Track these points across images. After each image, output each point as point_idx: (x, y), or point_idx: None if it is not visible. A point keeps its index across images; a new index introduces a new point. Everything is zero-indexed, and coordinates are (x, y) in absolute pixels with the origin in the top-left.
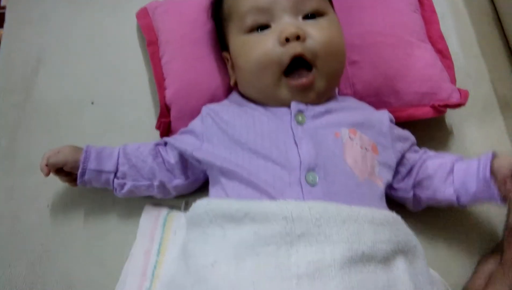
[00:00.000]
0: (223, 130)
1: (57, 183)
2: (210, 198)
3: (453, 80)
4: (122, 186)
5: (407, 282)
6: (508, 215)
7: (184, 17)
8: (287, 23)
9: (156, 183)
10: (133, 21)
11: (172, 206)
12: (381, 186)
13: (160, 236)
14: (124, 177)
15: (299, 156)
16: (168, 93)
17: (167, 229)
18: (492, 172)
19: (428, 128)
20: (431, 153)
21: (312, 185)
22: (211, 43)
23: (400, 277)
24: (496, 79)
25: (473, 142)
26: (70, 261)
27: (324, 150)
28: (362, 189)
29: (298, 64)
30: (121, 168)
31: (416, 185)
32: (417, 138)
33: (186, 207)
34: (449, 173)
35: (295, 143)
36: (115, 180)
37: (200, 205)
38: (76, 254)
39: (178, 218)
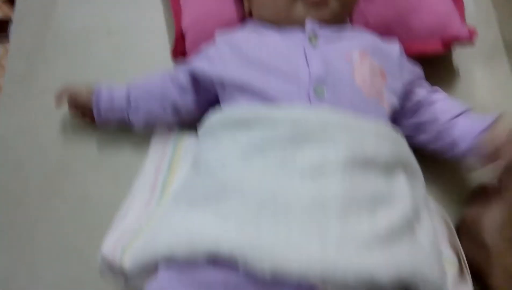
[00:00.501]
0: (236, 50)
1: None
2: (223, 109)
3: (462, 19)
4: (136, 113)
5: (406, 196)
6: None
7: None
8: None
9: (168, 103)
10: None
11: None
12: (387, 109)
13: (171, 153)
14: (137, 104)
15: (309, 71)
16: (185, 21)
17: (178, 147)
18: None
19: (436, 68)
20: (440, 95)
21: (320, 97)
22: None
23: (400, 189)
24: (504, 25)
25: (478, 83)
26: (85, 175)
27: (333, 69)
28: (368, 106)
29: None
30: (132, 93)
31: (417, 126)
32: (424, 75)
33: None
34: (451, 125)
35: (306, 61)
36: (130, 113)
37: (213, 116)
38: (91, 169)
39: (189, 139)
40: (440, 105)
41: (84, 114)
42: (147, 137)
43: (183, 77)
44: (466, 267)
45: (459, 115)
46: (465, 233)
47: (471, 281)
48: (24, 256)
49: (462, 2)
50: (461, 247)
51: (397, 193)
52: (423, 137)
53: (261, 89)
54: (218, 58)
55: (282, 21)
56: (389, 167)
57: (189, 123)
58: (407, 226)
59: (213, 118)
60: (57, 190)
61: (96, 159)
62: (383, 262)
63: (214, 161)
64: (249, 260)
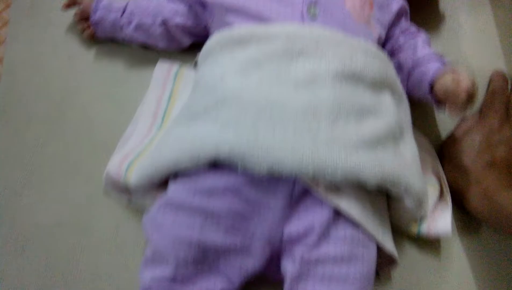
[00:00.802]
0: None
1: (78, 37)
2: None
3: None
4: (128, 23)
5: (391, 112)
6: (489, 84)
7: None
8: None
9: (158, 21)
10: None
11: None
12: (375, 34)
13: (172, 84)
14: (131, 14)
15: None
16: None
17: (178, 79)
18: (434, 86)
19: (422, 11)
20: (416, 39)
21: (313, 18)
22: None
23: (386, 105)
24: None
25: (463, 28)
26: (90, 102)
27: None
28: (358, 28)
29: None
30: (129, 7)
31: (397, 66)
32: (411, 19)
33: (196, 65)
34: (410, 72)
35: None
36: (122, 17)
37: (212, 38)
38: (96, 97)
39: (188, 73)
40: (410, 48)
41: (84, 23)
42: (151, 69)
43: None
44: (447, 191)
45: (422, 59)
46: (446, 156)
47: (451, 204)
48: (33, 174)
49: None
50: (443, 174)
51: (383, 108)
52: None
53: (257, 10)
54: None
55: None
56: (376, 84)
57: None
58: (392, 138)
59: (211, 41)
60: (63, 116)
61: (101, 90)
62: (369, 162)
63: (213, 77)
64: (247, 161)
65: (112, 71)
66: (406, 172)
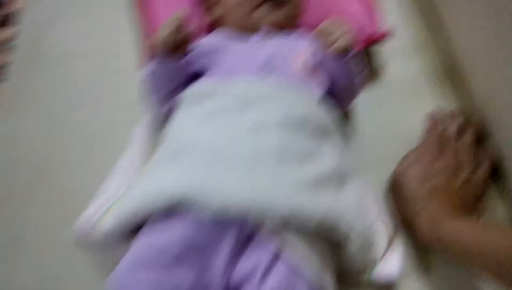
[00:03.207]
0: (204, 50)
1: (56, 112)
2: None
3: (380, 22)
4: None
5: (332, 158)
6: (425, 122)
7: None
8: None
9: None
10: None
11: None
12: (320, 93)
13: (148, 145)
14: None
15: (260, 54)
16: (154, 32)
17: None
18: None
19: (363, 61)
20: None
21: (267, 74)
22: None
23: (327, 152)
24: (418, 27)
25: (400, 76)
26: (66, 174)
27: (279, 54)
28: (305, 85)
29: None
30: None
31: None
32: None
33: None
34: None
35: (259, 48)
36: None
37: (179, 97)
38: (71, 168)
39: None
40: None
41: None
42: (122, 142)
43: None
44: (397, 233)
45: None
46: (394, 189)
47: (404, 243)
48: (10, 247)
49: (380, 11)
50: (388, 221)
51: (325, 154)
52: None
53: (222, 68)
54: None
55: (245, 25)
56: (318, 132)
57: None
58: (334, 181)
59: (183, 94)
60: (45, 181)
61: (76, 161)
62: (309, 204)
63: (177, 128)
64: (198, 204)
65: (93, 138)
66: (347, 215)
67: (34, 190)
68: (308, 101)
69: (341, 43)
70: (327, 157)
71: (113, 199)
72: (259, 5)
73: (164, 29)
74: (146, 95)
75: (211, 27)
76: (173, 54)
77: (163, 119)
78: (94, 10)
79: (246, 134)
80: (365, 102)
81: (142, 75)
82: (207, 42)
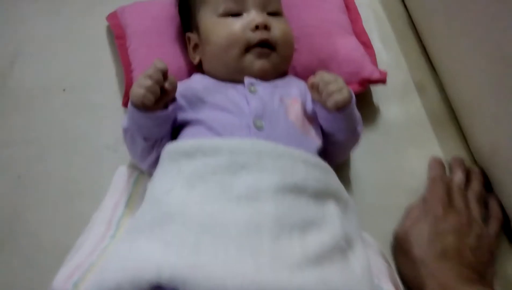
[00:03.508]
0: (187, 90)
1: (26, 157)
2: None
3: (374, 64)
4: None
5: (336, 223)
6: (429, 171)
7: (148, 13)
8: (257, 14)
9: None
10: (103, 23)
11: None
12: (317, 143)
13: (130, 191)
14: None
15: (249, 108)
16: (135, 74)
17: (137, 186)
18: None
19: (358, 105)
20: None
21: (259, 129)
22: (172, 33)
23: (330, 216)
24: (412, 68)
25: (396, 118)
26: (39, 224)
27: (270, 108)
28: (301, 138)
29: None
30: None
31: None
32: None
33: None
34: None
35: (247, 101)
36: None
37: (163, 150)
38: (45, 216)
39: (148, 178)
40: None
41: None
42: (103, 186)
43: None
44: None
45: None
46: (399, 250)
47: None
48: None
49: (373, 50)
50: (400, 282)
51: (327, 219)
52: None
53: (207, 122)
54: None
55: (229, 73)
56: (318, 195)
57: None
58: (338, 251)
59: (163, 150)
60: (10, 239)
61: (52, 207)
62: (314, 281)
63: (160, 190)
64: (189, 285)
65: (63, 186)
66: (355, 287)
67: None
68: (307, 157)
69: (337, 98)
70: (332, 221)
71: (91, 260)
72: (247, 50)
73: (143, 81)
74: (128, 146)
75: (193, 70)
76: (153, 107)
77: (146, 169)
78: (68, 40)
79: (238, 202)
80: (360, 149)
81: (122, 125)
82: (189, 89)
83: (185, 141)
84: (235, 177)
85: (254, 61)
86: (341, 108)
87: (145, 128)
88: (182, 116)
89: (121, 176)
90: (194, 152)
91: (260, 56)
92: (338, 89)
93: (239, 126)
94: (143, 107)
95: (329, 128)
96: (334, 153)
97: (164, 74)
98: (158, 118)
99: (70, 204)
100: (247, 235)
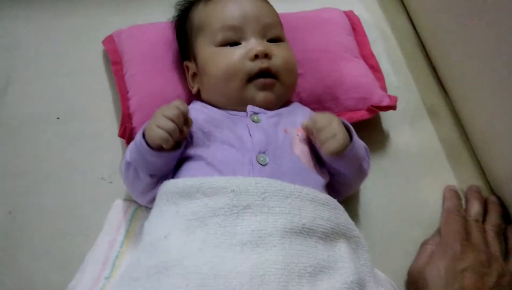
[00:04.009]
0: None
1: (18, 191)
2: (169, 180)
3: (384, 89)
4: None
5: (348, 265)
6: (443, 202)
7: (146, 38)
8: (257, 43)
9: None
10: (98, 47)
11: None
12: (323, 177)
13: (126, 228)
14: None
15: (252, 141)
16: (132, 103)
17: (134, 222)
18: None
19: (367, 131)
20: None
21: (263, 165)
22: (170, 59)
23: (341, 258)
24: (423, 91)
25: (407, 145)
26: (31, 263)
27: (274, 141)
28: (307, 173)
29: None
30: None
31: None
32: None
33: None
34: None
35: (249, 133)
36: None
37: (160, 187)
38: (37, 255)
39: (144, 214)
40: None
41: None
42: (98, 221)
43: None
44: None
45: None
46: (413, 288)
47: None
48: None
49: (382, 74)
50: None
51: (338, 263)
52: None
53: (208, 157)
54: None
55: (230, 104)
56: (328, 236)
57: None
58: None
59: (160, 189)
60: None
61: (43, 244)
62: None
63: (157, 234)
64: None
65: (55, 221)
66: None
67: None
68: (315, 195)
69: (331, 146)
70: (341, 266)
71: None
72: (249, 80)
73: (164, 122)
74: (127, 180)
75: (192, 96)
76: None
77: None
78: (62, 65)
79: (242, 249)
80: (369, 178)
81: (126, 159)
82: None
83: (184, 181)
84: (239, 220)
85: (256, 93)
86: (337, 153)
87: (153, 165)
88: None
89: (116, 211)
90: (194, 193)
91: (262, 88)
92: (332, 135)
93: (241, 162)
94: (159, 148)
95: (332, 169)
96: (341, 189)
97: (185, 117)
98: (171, 157)
99: (64, 241)
100: (252, 287)
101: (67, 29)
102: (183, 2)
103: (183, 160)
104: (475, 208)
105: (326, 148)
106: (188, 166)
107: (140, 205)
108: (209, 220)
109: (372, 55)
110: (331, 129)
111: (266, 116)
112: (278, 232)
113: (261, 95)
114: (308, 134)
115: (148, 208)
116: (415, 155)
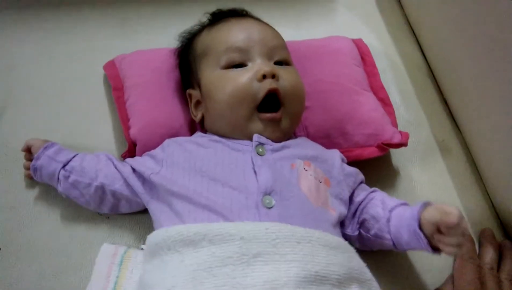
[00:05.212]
0: (185, 158)
1: (10, 226)
2: (168, 227)
3: (394, 124)
4: (66, 177)
5: None
6: None
7: (149, 64)
8: (264, 64)
9: (96, 183)
10: (99, 71)
11: (130, 246)
12: (334, 215)
13: (116, 275)
14: (70, 170)
15: (257, 181)
16: (133, 131)
17: (123, 267)
18: (421, 225)
19: (376, 168)
20: (377, 194)
21: (269, 208)
22: (173, 87)
23: None
24: (434, 125)
25: (418, 182)
26: None
27: (280, 178)
28: (316, 214)
29: (269, 102)
30: (71, 163)
31: (361, 224)
32: (366, 177)
33: (142, 246)
34: (387, 220)
35: (254, 171)
36: (62, 170)
37: (158, 234)
38: None
39: (135, 256)
40: (377, 201)
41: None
42: (93, 258)
43: (126, 168)
44: None
45: (396, 207)
46: None
47: None
48: None
49: (393, 108)
50: None
51: None
52: (368, 234)
53: (208, 201)
54: (165, 164)
55: (235, 133)
56: (342, 283)
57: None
58: None
59: (158, 236)
60: None
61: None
62: None
63: (161, 287)
64: None
65: (47, 262)
66: None
67: None
68: (326, 239)
69: (454, 252)
70: None
71: None
72: (255, 110)
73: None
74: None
75: (195, 126)
76: None
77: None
78: (61, 89)
79: None
80: None
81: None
82: (191, 154)
83: (187, 227)
84: (249, 269)
85: (263, 128)
86: None
87: None
88: (169, 177)
89: (105, 257)
90: (199, 240)
91: (269, 122)
92: (458, 244)
93: (246, 206)
94: None
95: (403, 246)
96: (370, 245)
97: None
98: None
99: (55, 280)
100: None
101: (67, 52)
102: (186, 33)
103: (173, 198)
104: (490, 255)
105: (451, 252)
106: (184, 209)
107: (128, 248)
108: (217, 271)
109: (382, 88)
110: (460, 238)
111: (271, 149)
112: (291, 282)
113: (268, 131)
114: (430, 222)
115: (138, 249)
116: (425, 193)
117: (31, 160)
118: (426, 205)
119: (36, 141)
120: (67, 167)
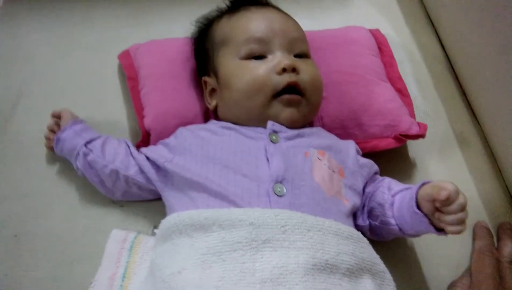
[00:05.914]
0: (198, 145)
1: (25, 214)
2: (180, 212)
3: (412, 115)
4: (85, 155)
5: None
6: (474, 240)
7: (163, 54)
8: (284, 56)
9: (112, 166)
10: (114, 61)
11: (140, 231)
12: (347, 205)
13: (126, 260)
14: (91, 149)
15: (269, 169)
16: (147, 120)
17: (133, 253)
18: (419, 204)
19: (393, 160)
20: (385, 181)
21: (280, 196)
22: (187, 77)
23: None
24: (452, 117)
25: (434, 173)
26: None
27: (293, 166)
28: (328, 204)
29: (288, 92)
30: (94, 142)
31: (369, 213)
32: (382, 169)
33: (154, 231)
34: (391, 204)
35: (267, 158)
36: (83, 147)
37: (170, 218)
38: (42, 283)
39: (146, 242)
40: (384, 188)
41: (52, 134)
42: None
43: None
44: None
45: (400, 191)
46: None
47: None
48: None
49: (410, 99)
50: None
51: None
52: (376, 222)
53: (220, 189)
54: (178, 152)
55: (250, 120)
56: (353, 273)
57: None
58: None
59: (170, 221)
60: None
61: (46, 272)
62: None
63: (168, 269)
64: None
65: (59, 249)
66: None
67: None
68: (338, 228)
69: (460, 230)
70: None
71: None
72: (274, 97)
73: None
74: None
75: (209, 114)
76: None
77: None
78: (75, 80)
79: (263, 287)
80: None
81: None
82: (203, 140)
83: (198, 212)
84: (258, 255)
85: (281, 110)
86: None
87: None
88: (182, 165)
89: (114, 242)
90: (210, 225)
91: (288, 104)
92: (464, 219)
93: (257, 194)
94: None
95: (408, 230)
96: (380, 233)
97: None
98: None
99: (70, 268)
100: None
101: (82, 42)
102: (204, 18)
103: (186, 185)
104: (508, 248)
105: (455, 230)
106: (197, 196)
107: (138, 233)
108: (226, 255)
109: (400, 78)
110: (466, 211)
111: (286, 136)
112: (300, 269)
113: (286, 112)
114: (426, 199)
115: (148, 235)
116: None
117: (52, 131)
118: (424, 183)
119: (67, 113)
120: (89, 146)
